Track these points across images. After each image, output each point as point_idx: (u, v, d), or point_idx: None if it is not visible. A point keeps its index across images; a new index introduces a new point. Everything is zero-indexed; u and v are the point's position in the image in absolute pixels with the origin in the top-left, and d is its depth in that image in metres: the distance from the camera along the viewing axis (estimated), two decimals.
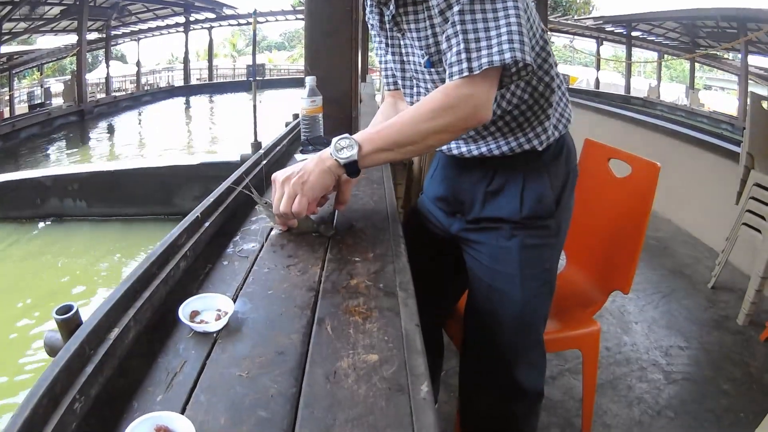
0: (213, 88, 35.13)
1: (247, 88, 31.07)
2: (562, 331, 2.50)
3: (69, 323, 1.08)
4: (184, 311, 1.23)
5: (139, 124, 24.61)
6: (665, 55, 29.28)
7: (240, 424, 0.90)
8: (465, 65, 1.51)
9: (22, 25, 25.07)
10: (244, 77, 39.15)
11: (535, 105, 1.81)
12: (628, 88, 25.82)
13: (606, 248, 2.71)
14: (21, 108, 28.74)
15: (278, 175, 1.67)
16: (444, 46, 1.60)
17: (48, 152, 17.77)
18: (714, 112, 17.16)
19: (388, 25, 1.89)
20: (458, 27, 1.53)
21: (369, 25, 2.05)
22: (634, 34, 27.32)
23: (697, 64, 28.82)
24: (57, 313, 1.09)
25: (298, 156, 2.94)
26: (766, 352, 4.10)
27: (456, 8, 1.53)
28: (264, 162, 2.55)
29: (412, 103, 1.98)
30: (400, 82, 2.02)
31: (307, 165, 1.64)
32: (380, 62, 2.13)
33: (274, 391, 0.99)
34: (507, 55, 1.47)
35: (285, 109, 5.83)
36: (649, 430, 3.17)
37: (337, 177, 1.66)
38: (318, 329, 1.20)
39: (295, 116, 4.40)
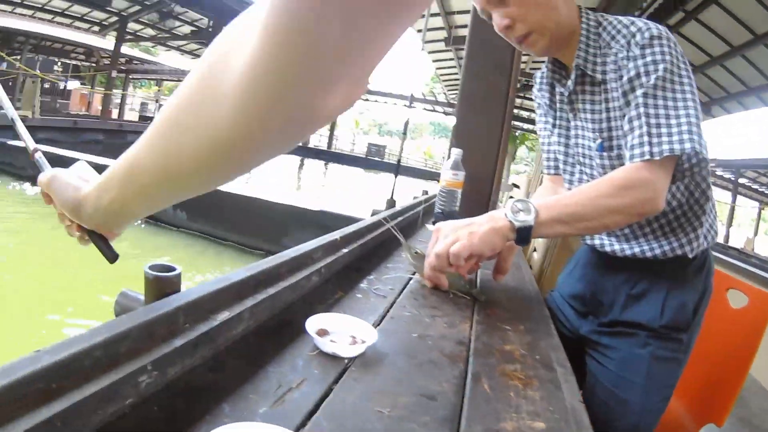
0: (330, 155, 35.64)
1: (364, 166, 31.75)
2: None
3: (163, 284, 0.83)
4: (311, 324, 1.04)
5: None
6: (765, 207, 28.84)
7: None
8: (647, 149, 1.47)
9: (149, 32, 26.12)
10: (362, 155, 39.91)
11: (690, 211, 1.74)
12: (727, 237, 25.23)
13: (707, 379, 2.49)
14: (131, 116, 30.18)
15: (443, 226, 1.57)
16: (626, 128, 1.56)
17: None
18: None
19: (559, 105, 1.88)
20: (641, 110, 1.51)
21: (536, 105, 2.03)
22: (741, 181, 26.70)
23: None
24: (151, 269, 0.84)
25: (429, 227, 2.79)
26: None
27: (639, 91, 1.52)
28: (400, 218, 2.47)
29: (570, 189, 1.94)
30: (562, 166, 1.98)
31: (477, 220, 1.53)
32: (543, 144, 2.09)
33: None
34: (687, 145, 1.44)
35: (406, 191, 5.51)
36: None
37: (505, 241, 1.52)
38: (473, 384, 1.02)
39: (424, 192, 4.27)
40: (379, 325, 1.25)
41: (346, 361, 1.00)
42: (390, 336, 1.18)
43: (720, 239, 24.67)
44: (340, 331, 1.08)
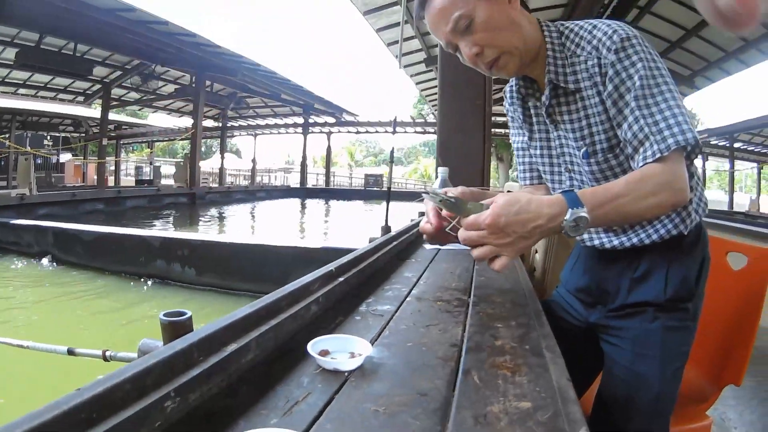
0: (330, 193, 35.15)
1: (365, 197, 31.42)
2: (677, 425, 2.27)
3: (177, 327, 0.97)
4: (314, 347, 1.16)
5: (254, 214, 23.73)
6: (762, 165, 29.00)
7: None
8: (656, 147, 1.51)
9: (134, 95, 26.53)
10: (361, 187, 39.38)
11: None
12: (731, 203, 25.50)
13: (719, 342, 2.56)
14: (127, 181, 29.96)
15: (499, 216, 1.42)
16: (627, 135, 1.59)
17: (154, 224, 17.21)
18: None
19: (535, 118, 1.92)
20: (637, 113, 1.55)
21: (509, 118, 2.07)
22: (736, 145, 26.99)
23: None
24: (165, 315, 0.98)
25: (427, 246, 2.95)
26: None
27: (629, 96, 1.57)
28: (396, 242, 2.58)
29: None
30: (548, 176, 2.00)
31: (539, 220, 1.44)
32: (518, 156, 2.12)
33: (416, 428, 0.89)
34: (689, 135, 1.49)
35: (404, 215, 5.55)
36: None
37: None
38: (464, 378, 1.10)
39: (421, 214, 4.36)
40: (377, 340, 1.33)
41: (346, 374, 1.09)
42: (387, 348, 1.27)
43: (724, 207, 24.80)
44: (340, 349, 1.18)
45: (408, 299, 1.78)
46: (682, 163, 1.52)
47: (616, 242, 1.87)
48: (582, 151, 1.75)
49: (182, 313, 0.96)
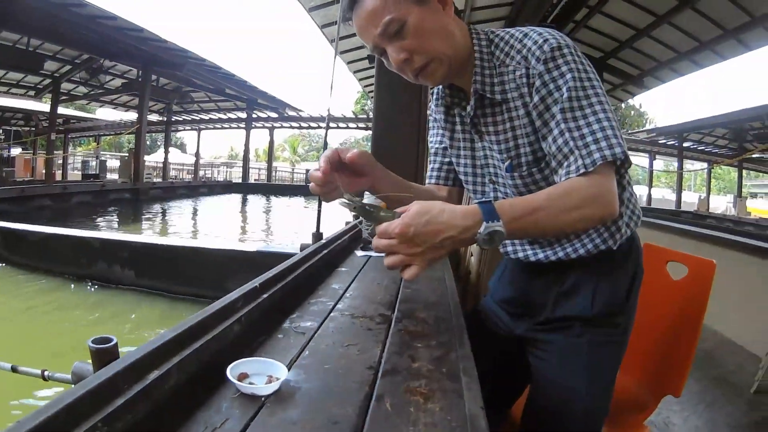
0: (271, 189, 35.26)
1: (306, 193, 31.41)
2: None
3: (103, 354, 1.06)
4: (233, 371, 1.21)
5: (195, 212, 24.40)
6: (714, 165, 29.75)
7: None
8: (581, 162, 1.51)
9: (82, 89, 27.10)
10: (303, 182, 39.57)
11: None
12: (679, 202, 26.34)
13: (659, 352, 2.60)
14: (74, 175, 30.19)
15: (408, 227, 1.40)
16: (552, 149, 1.60)
17: (98, 221, 17.63)
18: (760, 218, 17.53)
19: (460, 126, 1.93)
20: (563, 126, 1.55)
21: (431, 118, 2.07)
22: (685, 144, 27.63)
23: (744, 172, 29.36)
24: (93, 342, 1.06)
25: (358, 252, 3.03)
26: None
27: (556, 108, 1.57)
28: (325, 251, 2.60)
29: None
30: (470, 187, 2.01)
31: (450, 232, 1.42)
32: (433, 153, 2.12)
33: None
34: (617, 150, 1.49)
35: (338, 217, 5.61)
36: None
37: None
38: (376, 405, 1.15)
39: (356, 216, 4.45)
40: (296, 361, 1.38)
41: (263, 398, 1.15)
42: (305, 371, 1.32)
43: (671, 205, 25.31)
44: (259, 372, 1.24)
45: (332, 314, 1.83)
46: (611, 177, 1.52)
47: (541, 255, 1.89)
48: (506, 164, 1.76)
49: (108, 340, 1.06)
